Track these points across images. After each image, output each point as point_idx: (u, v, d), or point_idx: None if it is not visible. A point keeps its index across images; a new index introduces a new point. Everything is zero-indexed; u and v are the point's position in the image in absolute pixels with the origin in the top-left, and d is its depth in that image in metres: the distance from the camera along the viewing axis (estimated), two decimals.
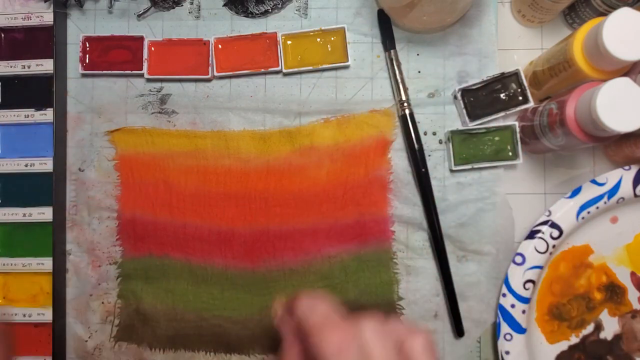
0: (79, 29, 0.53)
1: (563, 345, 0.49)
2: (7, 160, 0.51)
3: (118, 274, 0.51)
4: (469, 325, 0.49)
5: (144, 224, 0.51)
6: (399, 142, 0.50)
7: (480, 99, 0.49)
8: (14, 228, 0.51)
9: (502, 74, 0.48)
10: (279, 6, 0.51)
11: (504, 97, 0.49)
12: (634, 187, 0.47)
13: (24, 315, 0.51)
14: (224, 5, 0.52)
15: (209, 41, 0.51)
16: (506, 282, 0.47)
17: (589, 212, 0.47)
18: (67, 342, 0.51)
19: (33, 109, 0.51)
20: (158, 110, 0.52)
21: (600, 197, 0.47)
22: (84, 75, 0.52)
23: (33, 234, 0.51)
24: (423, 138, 0.50)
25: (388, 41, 0.50)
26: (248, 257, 0.50)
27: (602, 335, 0.49)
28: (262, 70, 0.51)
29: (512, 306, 0.47)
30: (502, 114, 0.48)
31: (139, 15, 0.52)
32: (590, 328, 0.49)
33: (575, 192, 0.47)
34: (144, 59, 0.51)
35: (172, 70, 0.51)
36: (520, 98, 0.48)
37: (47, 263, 0.50)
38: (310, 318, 0.30)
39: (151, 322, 0.50)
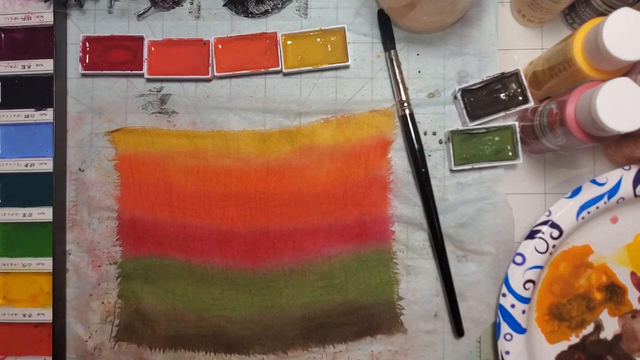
0: (79, 29, 0.53)
1: (563, 345, 0.49)
2: (7, 160, 0.51)
3: (118, 274, 0.51)
4: (469, 325, 0.49)
5: (144, 224, 0.51)
6: (399, 142, 0.50)
7: (480, 99, 0.49)
8: (14, 228, 0.51)
9: (502, 74, 0.48)
10: (279, 6, 0.51)
11: (504, 97, 0.49)
12: (634, 187, 0.47)
13: (24, 315, 0.51)
14: (224, 5, 0.52)
15: (209, 41, 0.51)
16: (506, 282, 0.47)
17: (589, 212, 0.47)
18: (67, 342, 0.51)
19: (33, 109, 0.51)
20: (158, 110, 0.52)
21: (600, 197, 0.47)
22: (84, 75, 0.52)
23: (33, 234, 0.51)
24: (423, 138, 0.50)
25: (388, 41, 0.50)
26: (248, 257, 0.50)
27: (602, 335, 0.49)
28: (262, 70, 0.51)
29: (512, 306, 0.47)
30: (502, 114, 0.48)
31: (139, 15, 0.52)
32: (590, 328, 0.49)
33: (575, 192, 0.47)
34: (144, 59, 0.51)
35: (172, 70, 0.51)
36: (520, 98, 0.48)
37: (47, 263, 0.50)
38: None
39: (151, 322, 0.50)
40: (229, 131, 0.51)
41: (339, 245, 0.50)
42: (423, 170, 0.49)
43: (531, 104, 0.48)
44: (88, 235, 0.52)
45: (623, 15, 0.38)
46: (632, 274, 0.49)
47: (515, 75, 0.48)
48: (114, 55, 0.52)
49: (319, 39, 0.51)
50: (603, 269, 0.49)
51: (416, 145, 0.49)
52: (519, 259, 0.47)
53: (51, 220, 0.50)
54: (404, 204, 0.50)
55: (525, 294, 0.47)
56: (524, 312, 0.47)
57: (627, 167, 0.47)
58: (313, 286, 0.50)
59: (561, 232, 0.47)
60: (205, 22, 0.52)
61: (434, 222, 0.49)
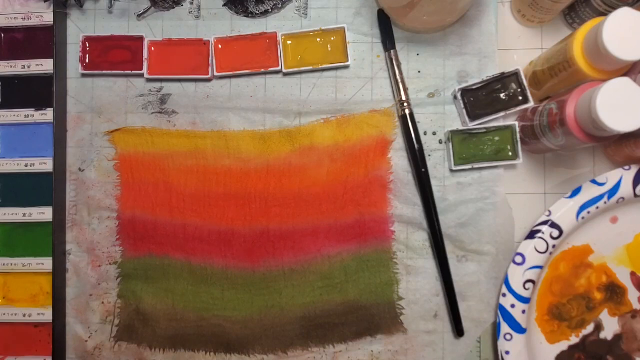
0: (79, 29, 0.53)
1: (563, 345, 0.49)
2: (7, 160, 0.51)
3: (118, 274, 0.51)
4: (469, 325, 0.49)
5: (144, 224, 0.51)
6: (399, 142, 0.50)
7: (480, 99, 0.49)
8: (14, 228, 0.51)
9: (502, 74, 0.48)
10: (279, 6, 0.51)
11: (504, 97, 0.49)
12: (634, 187, 0.47)
13: (24, 315, 0.51)
14: (224, 5, 0.52)
15: (209, 41, 0.51)
16: (506, 282, 0.47)
17: (589, 212, 0.47)
18: (67, 342, 0.51)
19: (33, 109, 0.51)
20: (158, 110, 0.52)
21: (600, 197, 0.47)
22: (84, 75, 0.52)
23: (33, 234, 0.51)
24: (423, 138, 0.50)
25: (388, 41, 0.50)
26: (248, 257, 0.50)
27: (602, 335, 0.49)
28: (262, 70, 0.51)
29: (512, 306, 0.47)
30: (502, 114, 0.48)
31: (139, 15, 0.52)
32: (590, 328, 0.49)
33: (575, 192, 0.47)
34: (144, 59, 0.51)
35: (172, 70, 0.51)
36: (520, 98, 0.48)
37: (47, 263, 0.50)
38: None
39: (151, 322, 0.50)
40: (229, 131, 0.51)
41: (339, 245, 0.50)
42: (423, 170, 0.49)
43: (531, 104, 0.48)
44: (88, 235, 0.52)
45: (623, 15, 0.38)
46: (632, 274, 0.49)
47: (515, 75, 0.48)
48: (114, 55, 0.52)
49: (319, 39, 0.51)
50: (603, 269, 0.49)
51: (416, 145, 0.49)
52: (519, 259, 0.47)
53: (51, 220, 0.50)
54: (404, 204, 0.50)
55: (525, 294, 0.47)
56: (524, 312, 0.47)
57: (627, 167, 0.47)
58: (313, 286, 0.50)
59: (561, 232, 0.47)
60: (205, 22, 0.52)
61: (434, 222, 0.49)
